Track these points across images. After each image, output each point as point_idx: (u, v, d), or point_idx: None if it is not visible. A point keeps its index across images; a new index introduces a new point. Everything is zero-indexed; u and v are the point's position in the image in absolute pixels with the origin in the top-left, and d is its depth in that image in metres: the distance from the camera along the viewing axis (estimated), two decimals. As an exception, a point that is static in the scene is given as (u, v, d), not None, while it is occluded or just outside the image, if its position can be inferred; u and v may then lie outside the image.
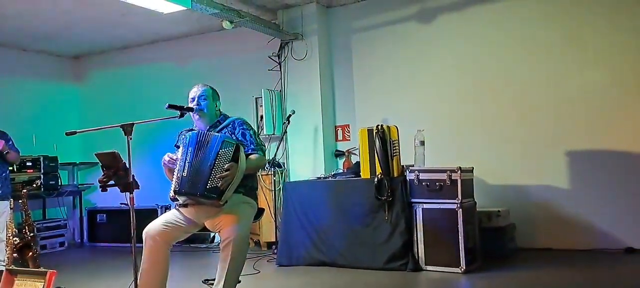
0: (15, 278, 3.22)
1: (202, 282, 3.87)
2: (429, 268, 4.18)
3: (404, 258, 4.21)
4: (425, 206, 4.22)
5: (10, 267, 3.32)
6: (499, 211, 4.59)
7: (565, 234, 4.78)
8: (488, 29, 5.14)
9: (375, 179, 4.31)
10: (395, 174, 4.33)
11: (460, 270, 4.03)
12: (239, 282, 3.00)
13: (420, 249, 4.22)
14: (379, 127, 4.39)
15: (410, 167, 4.38)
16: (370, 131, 4.44)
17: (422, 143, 4.50)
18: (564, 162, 4.83)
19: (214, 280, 3.04)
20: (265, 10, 5.69)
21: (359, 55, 5.76)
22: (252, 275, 4.31)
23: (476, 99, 5.18)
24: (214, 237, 5.89)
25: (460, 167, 4.13)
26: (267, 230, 5.58)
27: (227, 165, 2.87)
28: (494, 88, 5.11)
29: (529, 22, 4.97)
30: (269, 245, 5.57)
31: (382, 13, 5.61)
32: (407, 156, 4.52)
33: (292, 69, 5.83)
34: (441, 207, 4.15)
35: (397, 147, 4.37)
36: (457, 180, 4.10)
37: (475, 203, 4.38)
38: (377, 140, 4.35)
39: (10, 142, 4.85)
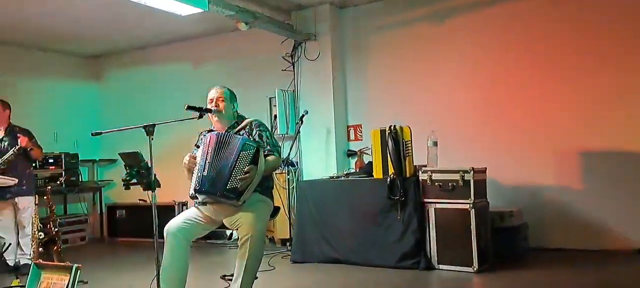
0: (42, 272, 3.35)
1: (221, 277, 3.98)
2: (441, 267, 4.25)
3: (416, 257, 4.29)
4: (437, 206, 4.28)
5: (38, 261, 3.45)
6: (511, 211, 4.63)
7: (578, 235, 4.81)
8: (503, 29, 5.17)
9: (388, 179, 4.38)
10: (408, 174, 4.40)
11: (473, 269, 4.09)
12: (256, 278, 3.11)
13: (433, 248, 4.29)
14: (392, 127, 4.45)
15: (423, 167, 4.44)
16: (382, 132, 4.51)
17: (435, 143, 4.56)
18: (577, 163, 4.86)
19: (232, 276, 3.14)
20: (279, 11, 5.77)
21: (372, 55, 5.83)
22: (268, 271, 4.42)
23: (490, 99, 5.22)
24: (231, 234, 6.00)
25: (473, 168, 4.18)
26: (282, 227, 5.69)
27: (247, 167, 2.97)
28: (508, 88, 5.15)
29: (544, 22, 5.00)
30: (284, 241, 5.67)
31: (396, 13, 5.67)
32: (419, 156, 4.58)
33: (305, 69, 5.91)
34: (454, 207, 4.21)
35: (409, 148, 4.44)
36: (470, 180, 4.16)
37: (488, 203, 4.43)
38: (389, 140, 4.42)
39: (34, 140, 5.02)
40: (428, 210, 4.32)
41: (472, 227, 4.11)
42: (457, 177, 4.21)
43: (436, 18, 5.45)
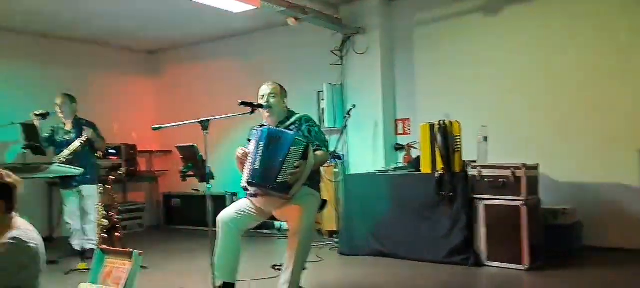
0: (106, 257, 3.57)
1: (271, 267, 4.13)
2: (491, 263, 4.21)
3: (465, 253, 4.27)
4: (487, 202, 4.24)
5: (102, 247, 3.68)
6: (565, 209, 4.52)
7: (636, 234, 4.63)
8: (558, 20, 5.01)
9: (436, 174, 4.37)
10: (457, 170, 4.37)
11: (524, 267, 4.03)
12: (305, 268, 3.21)
13: (482, 245, 4.26)
14: (441, 122, 4.43)
15: (472, 163, 4.40)
16: (431, 126, 4.49)
17: (485, 139, 4.51)
18: (636, 160, 4.66)
19: (281, 265, 3.26)
20: (327, 6, 5.82)
21: (421, 48, 5.79)
22: (316, 263, 4.51)
23: (544, 93, 5.08)
24: (281, 225, 6.15)
25: (525, 164, 4.11)
26: (329, 219, 5.77)
27: (297, 162, 3.06)
28: (563, 82, 4.99)
29: (603, 12, 4.80)
30: (331, 233, 5.76)
31: (446, 6, 5.60)
32: (469, 151, 4.54)
33: (353, 63, 5.94)
34: (504, 203, 4.15)
35: (459, 143, 4.40)
36: (521, 177, 4.09)
37: (540, 200, 4.34)
38: (438, 135, 4.40)
39: (98, 132, 5.32)
40: (477, 207, 4.28)
41: (523, 224, 4.04)
42: (508, 173, 4.15)
43: (489, 9, 5.34)
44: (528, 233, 4.03)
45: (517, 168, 4.12)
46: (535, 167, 4.31)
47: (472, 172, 4.33)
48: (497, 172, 4.21)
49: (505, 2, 5.25)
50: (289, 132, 3.24)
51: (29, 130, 5.01)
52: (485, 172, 4.27)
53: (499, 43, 5.31)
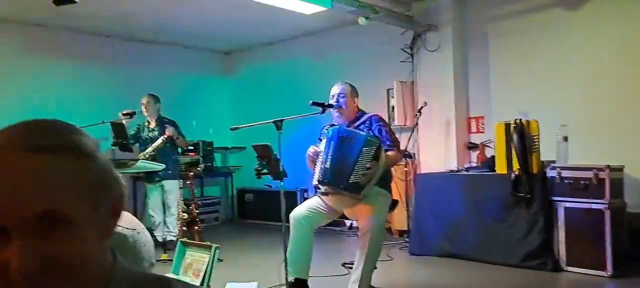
0: (187, 250, 3.79)
1: (342, 265, 4.19)
2: (570, 269, 4.02)
3: (542, 257, 4.11)
4: (567, 205, 4.05)
5: (183, 240, 3.90)
6: (654, 213, 4.23)
7: None
8: (647, 13, 4.68)
9: (512, 175, 4.23)
10: (534, 170, 4.21)
11: (606, 274, 3.82)
12: (375, 268, 3.24)
13: (561, 249, 4.08)
14: (518, 121, 4.28)
15: (551, 164, 4.22)
16: (507, 125, 4.36)
17: (565, 138, 4.31)
18: None
19: (352, 264, 3.31)
20: (398, 3, 5.77)
21: (496, 45, 5.60)
22: (386, 262, 4.52)
23: (631, 90, 4.75)
24: (351, 223, 6.21)
25: (608, 165, 3.89)
26: (399, 218, 5.74)
27: (369, 163, 3.09)
28: (653, 78, 4.66)
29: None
30: (401, 233, 5.73)
31: (523, 1, 5.38)
32: (547, 152, 4.36)
33: (424, 60, 5.86)
34: (586, 206, 3.96)
35: (536, 143, 4.24)
36: (604, 179, 3.88)
37: (626, 204, 4.09)
38: (515, 134, 4.26)
39: (179, 130, 5.63)
40: (556, 209, 4.11)
41: (606, 228, 3.83)
42: (590, 174, 3.95)
43: (570, 3, 5.08)
44: (611, 238, 3.82)
45: (600, 169, 3.91)
46: (620, 169, 4.06)
47: (551, 173, 4.15)
48: (578, 174, 4.02)
49: (592, -7, 4.97)
50: (360, 132, 3.28)
51: (117, 129, 5.38)
52: (565, 174, 4.08)
53: (580, 38, 5.03)
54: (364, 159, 3.11)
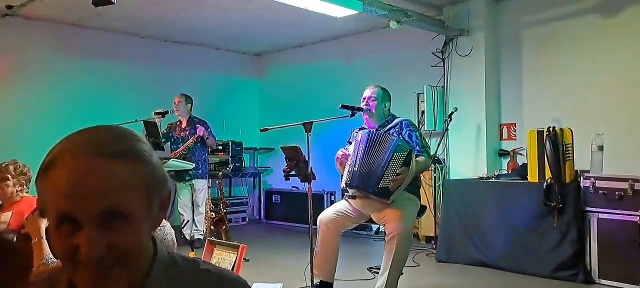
0: (214, 249, 3.84)
1: (368, 269, 4.18)
2: (603, 282, 3.92)
3: (573, 269, 4.01)
4: (601, 216, 3.95)
5: (211, 238, 3.96)
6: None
7: None
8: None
9: (544, 184, 4.14)
10: (567, 180, 4.11)
11: (640, 288, 3.72)
12: (402, 273, 3.21)
13: (593, 261, 3.97)
14: (551, 129, 4.20)
15: (585, 173, 4.12)
16: (540, 132, 4.27)
17: (600, 148, 4.20)
18: None
19: (378, 268, 3.30)
20: (430, 7, 5.74)
21: (529, 51, 5.50)
22: (413, 268, 4.49)
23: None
24: (378, 228, 6.18)
25: (645, 177, 3.78)
26: (426, 224, 5.69)
27: (399, 169, 3.07)
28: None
29: None
30: (428, 239, 5.68)
31: (558, 6, 5.27)
32: (581, 161, 4.25)
33: (455, 65, 5.79)
34: (621, 218, 3.85)
35: (570, 151, 4.14)
36: (640, 190, 3.77)
37: (663, 217, 3.95)
38: (547, 142, 4.17)
39: (209, 130, 5.71)
40: (590, 220, 4.01)
41: (641, 241, 3.72)
42: (625, 185, 3.84)
43: (607, 9, 4.95)
44: (648, 252, 3.70)
45: (636, 180, 3.80)
46: (658, 180, 3.93)
47: (584, 183, 4.05)
48: (613, 184, 3.91)
49: (623, 2, 4.83)
50: (392, 137, 3.26)
51: (150, 127, 5.50)
52: (599, 184, 3.97)
53: (616, 45, 4.90)
54: (394, 164, 3.09)
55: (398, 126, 3.46)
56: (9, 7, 5.16)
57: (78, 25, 6.28)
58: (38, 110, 5.99)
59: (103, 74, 6.53)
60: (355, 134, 3.53)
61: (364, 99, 3.54)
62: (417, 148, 3.33)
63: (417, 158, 3.26)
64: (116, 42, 6.70)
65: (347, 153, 3.39)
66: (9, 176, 3.07)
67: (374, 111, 3.50)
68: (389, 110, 3.57)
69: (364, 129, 3.53)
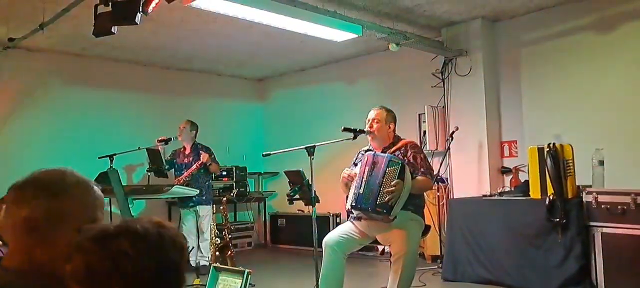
0: (220, 275, 3.86)
1: (374, 290, 4.16)
2: (610, 297, 3.91)
3: (579, 284, 4.01)
4: (605, 230, 3.96)
5: (216, 265, 3.98)
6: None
7: None
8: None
9: (547, 200, 4.16)
10: (570, 195, 4.13)
11: (648, 302, 3.71)
12: (408, 293, 3.22)
13: (600, 276, 3.97)
14: (551, 145, 4.23)
15: (587, 188, 4.14)
16: (540, 149, 4.30)
17: (601, 162, 4.23)
18: None
19: (385, 290, 3.31)
20: (429, 29, 5.83)
21: (528, 69, 5.57)
22: (419, 287, 4.49)
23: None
24: (383, 249, 6.17)
25: (647, 190, 3.80)
26: (432, 243, 5.69)
27: (393, 182, 3.11)
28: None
29: None
30: (434, 258, 5.67)
31: (555, 24, 5.35)
32: (582, 176, 4.28)
33: (455, 85, 5.85)
34: (625, 232, 3.86)
35: (571, 167, 4.17)
36: (643, 204, 3.78)
37: (667, 229, 3.96)
38: (548, 159, 4.20)
39: (213, 156, 5.76)
40: (593, 235, 4.02)
41: (647, 255, 3.72)
42: (628, 199, 3.85)
43: (604, 26, 5.02)
44: (654, 265, 3.70)
45: (638, 194, 3.81)
46: (660, 193, 3.95)
47: (587, 198, 4.07)
48: (615, 199, 3.93)
49: (619, 19, 4.91)
50: (383, 154, 3.30)
51: (153, 155, 5.58)
52: (602, 198, 3.99)
53: (614, 60, 4.96)
54: (388, 179, 3.13)
55: (403, 148, 3.50)
56: (11, 39, 5.25)
57: (80, 55, 6.36)
58: (41, 141, 6.02)
59: (105, 103, 6.58)
60: (361, 155, 3.57)
61: (368, 120, 3.59)
62: (421, 170, 3.37)
63: (419, 178, 3.30)
64: (118, 71, 6.77)
65: (352, 174, 3.42)
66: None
67: (376, 133, 3.54)
68: (394, 131, 3.61)
69: (370, 150, 3.57)
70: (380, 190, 3.14)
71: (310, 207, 3.42)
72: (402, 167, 3.18)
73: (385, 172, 3.16)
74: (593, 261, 4.01)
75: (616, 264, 3.90)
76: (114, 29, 3.42)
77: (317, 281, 3.30)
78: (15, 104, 5.95)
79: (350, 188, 3.38)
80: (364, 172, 3.26)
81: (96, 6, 3.40)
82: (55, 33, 5.32)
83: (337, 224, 6.39)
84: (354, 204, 3.28)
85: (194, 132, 5.78)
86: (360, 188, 3.24)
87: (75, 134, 6.22)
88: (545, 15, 5.40)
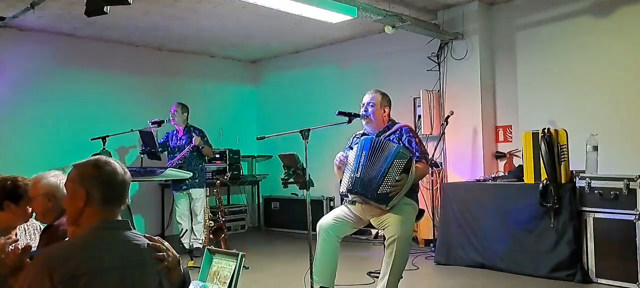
0: (213, 257, 3.84)
1: (367, 274, 4.19)
2: (601, 281, 3.95)
3: (571, 269, 4.04)
4: (597, 215, 3.99)
5: (210, 248, 3.96)
6: (688, 225, 4.11)
7: None
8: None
9: (540, 185, 4.18)
10: (563, 180, 4.15)
11: (637, 286, 3.74)
12: (402, 277, 3.23)
13: (591, 260, 4.01)
14: (546, 130, 4.23)
15: (580, 174, 4.16)
16: (535, 134, 4.31)
17: (595, 148, 4.24)
18: None
19: (378, 273, 3.31)
20: (425, 12, 5.78)
21: (524, 53, 5.55)
22: (412, 271, 4.51)
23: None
24: (376, 233, 6.19)
25: (640, 175, 3.82)
26: (425, 227, 5.72)
27: (399, 176, 3.10)
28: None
29: None
30: (427, 242, 5.70)
31: (551, 8, 5.32)
32: (576, 161, 4.29)
33: (451, 69, 5.83)
34: (616, 217, 3.89)
35: (565, 152, 4.18)
36: (635, 189, 3.80)
37: (659, 215, 3.99)
38: (542, 144, 4.21)
39: (206, 139, 5.72)
40: (586, 220, 4.04)
41: (637, 240, 3.75)
42: (620, 185, 3.87)
43: (599, 10, 5.01)
44: (645, 250, 3.73)
45: (631, 179, 3.83)
46: (653, 179, 3.97)
47: (580, 183, 4.09)
48: (608, 184, 3.95)
49: (616, 4, 4.89)
50: (393, 144, 3.28)
51: (146, 137, 5.53)
52: (595, 184, 4.01)
53: (610, 45, 4.95)
54: (394, 171, 3.11)
55: (398, 132, 3.47)
56: (1, 18, 5.15)
57: (72, 35, 6.28)
58: (32, 122, 5.97)
59: (97, 84, 6.51)
60: (356, 139, 3.55)
61: (363, 104, 3.56)
62: (417, 154, 3.35)
63: (417, 165, 3.28)
64: (111, 51, 6.69)
65: (346, 158, 3.40)
66: None
67: (371, 117, 3.52)
68: (389, 115, 3.59)
69: (366, 134, 3.54)
70: (383, 179, 3.11)
71: (305, 190, 3.40)
72: (410, 160, 3.16)
73: (391, 163, 3.12)
74: (584, 246, 4.04)
75: (607, 249, 3.93)
76: (107, 8, 3.36)
77: (311, 264, 3.30)
78: (5, 83, 5.87)
79: (343, 172, 3.36)
80: (361, 156, 3.23)
81: (87, -15, 3.33)
82: (46, 12, 5.23)
83: (331, 208, 6.40)
84: (350, 187, 3.26)
85: (186, 114, 5.73)
86: (356, 171, 3.22)
87: (67, 116, 6.16)
88: (542, -1, 5.38)
